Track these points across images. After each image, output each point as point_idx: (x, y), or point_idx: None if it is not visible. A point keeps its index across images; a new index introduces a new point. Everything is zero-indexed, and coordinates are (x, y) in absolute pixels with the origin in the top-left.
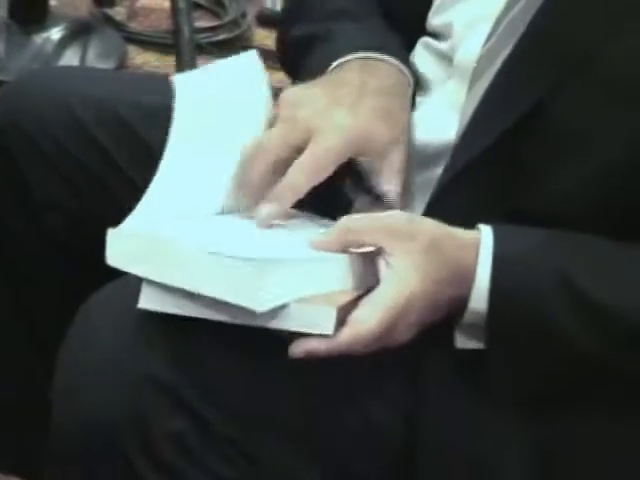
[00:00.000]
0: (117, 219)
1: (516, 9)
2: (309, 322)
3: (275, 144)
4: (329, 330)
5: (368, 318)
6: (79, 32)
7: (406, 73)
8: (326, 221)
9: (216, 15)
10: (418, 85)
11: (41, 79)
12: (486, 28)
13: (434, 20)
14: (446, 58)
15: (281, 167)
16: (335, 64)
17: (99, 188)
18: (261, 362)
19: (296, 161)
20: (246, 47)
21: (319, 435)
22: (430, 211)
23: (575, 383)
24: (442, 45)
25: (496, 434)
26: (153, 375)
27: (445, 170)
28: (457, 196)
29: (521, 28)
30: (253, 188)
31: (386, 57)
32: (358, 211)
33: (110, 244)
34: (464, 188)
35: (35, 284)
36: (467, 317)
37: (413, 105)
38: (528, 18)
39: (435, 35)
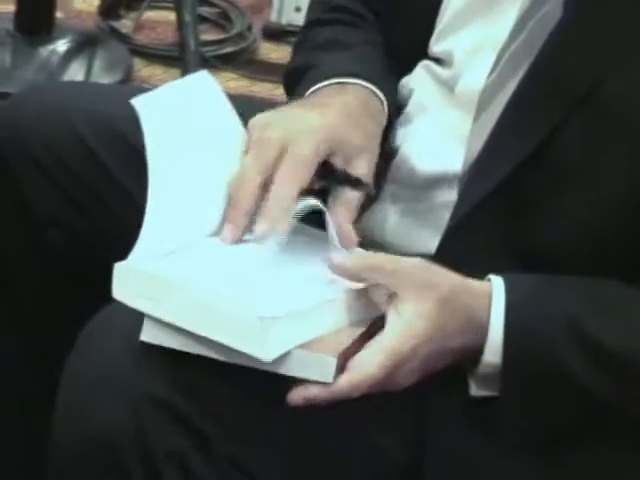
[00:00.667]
0: (117, 234)
1: (520, 40)
2: (310, 370)
3: (254, 169)
4: (329, 378)
5: (369, 363)
6: (85, 44)
7: (380, 97)
8: (318, 232)
9: (222, 28)
10: (404, 110)
11: (42, 94)
12: (488, 58)
13: (435, 47)
14: (447, 85)
15: (268, 187)
16: (311, 90)
17: (99, 203)
18: (262, 381)
19: (276, 176)
20: (252, 60)
21: (319, 455)
22: (444, 247)
23: (584, 425)
24: (444, 72)
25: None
26: (154, 393)
27: (457, 206)
28: (471, 231)
29: (526, 60)
30: (245, 217)
31: (361, 82)
32: (335, 196)
33: (116, 278)
34: (478, 222)
35: (35, 300)
36: (482, 369)
37: (390, 128)
38: (534, 51)
39: (437, 60)
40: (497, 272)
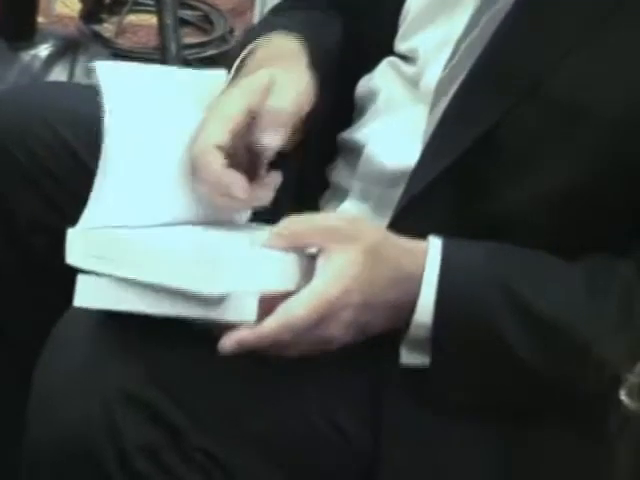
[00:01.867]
0: None
1: (473, 34)
2: (235, 311)
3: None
4: (252, 317)
5: (298, 305)
6: (67, 49)
7: (295, 41)
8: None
9: (204, 31)
10: (371, 107)
11: (22, 96)
12: (444, 55)
13: (400, 45)
14: (412, 82)
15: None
16: (247, 50)
17: (81, 205)
18: (231, 372)
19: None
20: (233, 63)
21: (290, 441)
22: (395, 228)
23: (526, 396)
24: (409, 69)
25: (456, 445)
26: (125, 388)
27: (405, 191)
28: (417, 216)
29: (476, 53)
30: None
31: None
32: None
33: (70, 243)
34: (423, 209)
35: (18, 305)
36: (412, 330)
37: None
38: (483, 44)
39: (403, 57)
40: None
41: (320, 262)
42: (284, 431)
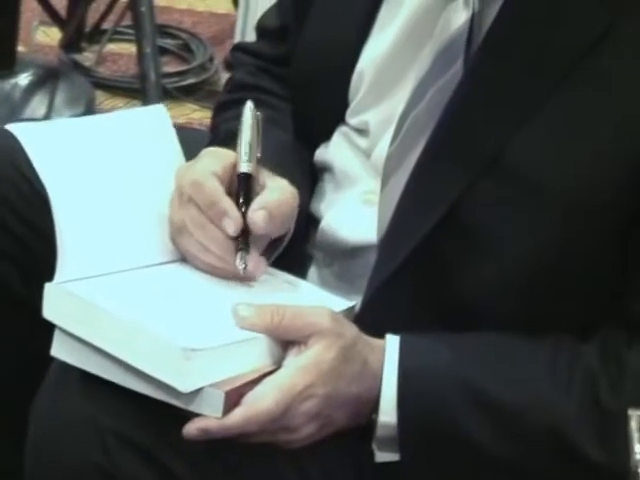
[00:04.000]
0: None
1: (419, 108)
2: (202, 404)
3: (182, 218)
4: (219, 412)
5: (264, 397)
6: (47, 78)
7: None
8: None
9: (184, 60)
10: (327, 178)
11: None
12: (390, 131)
13: (351, 120)
14: (366, 154)
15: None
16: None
17: (47, 242)
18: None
19: (199, 216)
20: (214, 92)
21: None
22: (364, 312)
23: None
24: (362, 141)
25: None
26: (119, 431)
27: (373, 276)
28: (390, 296)
29: (429, 127)
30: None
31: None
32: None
33: (47, 298)
34: (396, 288)
35: None
36: (380, 431)
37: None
38: (435, 118)
39: (356, 130)
40: (418, 331)
41: (294, 351)
42: (274, 474)
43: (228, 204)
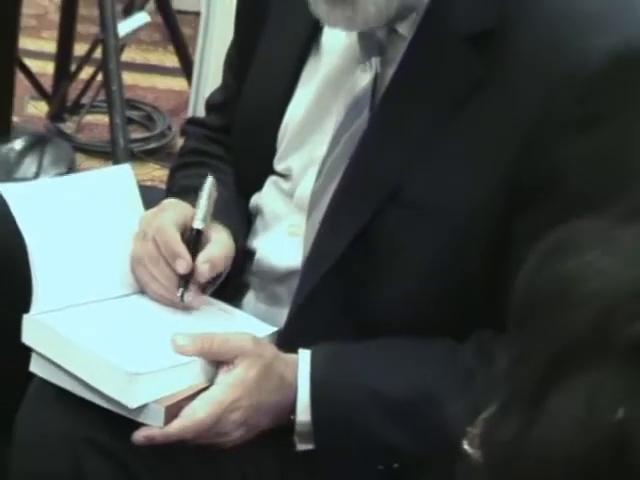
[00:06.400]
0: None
1: (336, 151)
2: (148, 416)
3: (143, 252)
4: (160, 423)
5: (198, 410)
6: (36, 143)
7: (179, 201)
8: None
9: (147, 128)
10: (260, 219)
11: None
12: (315, 170)
13: (278, 166)
14: (289, 195)
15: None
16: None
17: (26, 280)
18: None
19: (156, 252)
20: (172, 154)
21: None
22: (290, 326)
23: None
24: (285, 185)
25: None
26: (90, 438)
27: (297, 292)
28: (312, 310)
29: (342, 167)
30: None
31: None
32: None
33: (24, 327)
34: (317, 302)
35: None
36: (298, 427)
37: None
38: (347, 159)
39: (281, 175)
40: (337, 341)
41: (223, 370)
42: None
43: (182, 249)
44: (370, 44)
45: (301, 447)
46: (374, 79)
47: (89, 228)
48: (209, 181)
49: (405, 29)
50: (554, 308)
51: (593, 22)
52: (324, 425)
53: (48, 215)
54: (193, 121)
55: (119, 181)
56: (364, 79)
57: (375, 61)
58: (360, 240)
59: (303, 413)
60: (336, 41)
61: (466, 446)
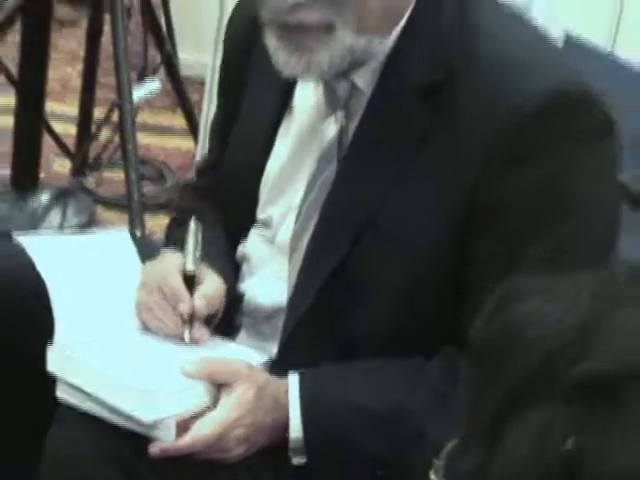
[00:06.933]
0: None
1: (311, 196)
2: (161, 432)
3: (149, 300)
4: (172, 437)
5: (203, 428)
6: (61, 196)
7: (175, 254)
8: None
9: (158, 183)
10: (247, 265)
11: (5, 250)
12: (293, 216)
13: (260, 216)
14: (270, 241)
15: (164, 302)
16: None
17: (49, 316)
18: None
19: (163, 300)
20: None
21: None
22: (280, 355)
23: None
24: (267, 232)
25: None
26: (115, 454)
27: (284, 327)
28: (300, 338)
29: (317, 210)
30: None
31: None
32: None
33: (49, 358)
34: (304, 330)
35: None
36: (292, 444)
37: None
38: (321, 202)
39: (263, 223)
40: (322, 363)
41: (225, 392)
42: None
43: (185, 294)
44: (334, 99)
45: (296, 461)
46: (340, 131)
47: (96, 277)
48: (192, 227)
49: (364, 84)
50: (505, 352)
51: (525, 69)
52: (315, 440)
53: (63, 264)
54: (188, 184)
55: (120, 241)
56: (331, 131)
57: (340, 115)
58: (337, 274)
59: (296, 431)
60: (306, 100)
61: (432, 476)
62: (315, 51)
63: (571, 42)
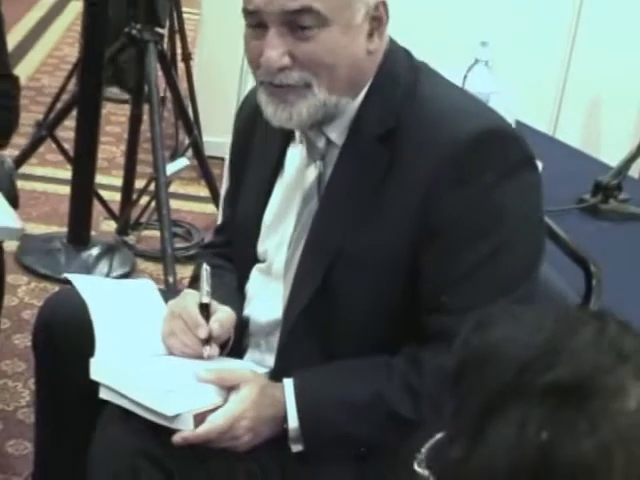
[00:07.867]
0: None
1: (298, 229)
2: (182, 423)
3: (174, 326)
4: (190, 428)
5: (216, 420)
6: (108, 250)
7: (194, 292)
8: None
9: (187, 240)
10: (248, 298)
11: (61, 296)
12: (286, 246)
13: (259, 249)
14: (267, 272)
15: (186, 328)
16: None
17: (85, 356)
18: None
19: (183, 325)
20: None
21: None
22: (280, 359)
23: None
24: (264, 265)
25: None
26: (147, 451)
27: (279, 340)
28: (293, 346)
29: (304, 240)
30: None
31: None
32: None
33: (92, 366)
34: (295, 340)
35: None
36: (291, 434)
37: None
38: (306, 232)
39: (262, 257)
40: (312, 365)
41: (233, 393)
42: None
43: (202, 320)
44: (314, 152)
45: (295, 448)
46: (319, 176)
47: (128, 308)
48: (204, 271)
49: (336, 137)
50: (483, 366)
51: (464, 114)
52: (309, 427)
53: (103, 298)
54: (205, 245)
55: (147, 288)
56: (312, 176)
57: (319, 163)
58: (318, 293)
59: (293, 422)
60: (293, 159)
61: (416, 467)
62: (296, 104)
63: (521, 126)
